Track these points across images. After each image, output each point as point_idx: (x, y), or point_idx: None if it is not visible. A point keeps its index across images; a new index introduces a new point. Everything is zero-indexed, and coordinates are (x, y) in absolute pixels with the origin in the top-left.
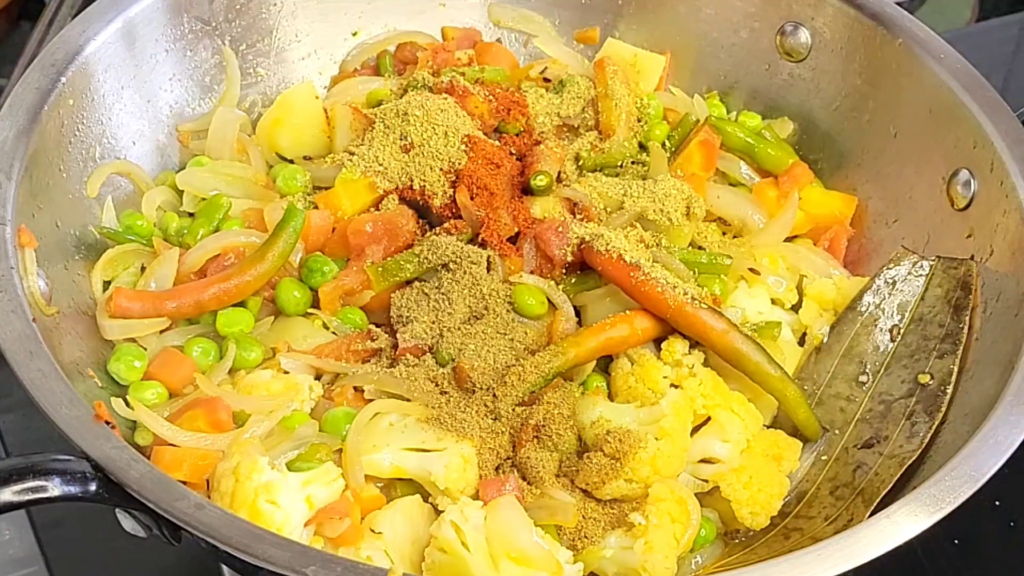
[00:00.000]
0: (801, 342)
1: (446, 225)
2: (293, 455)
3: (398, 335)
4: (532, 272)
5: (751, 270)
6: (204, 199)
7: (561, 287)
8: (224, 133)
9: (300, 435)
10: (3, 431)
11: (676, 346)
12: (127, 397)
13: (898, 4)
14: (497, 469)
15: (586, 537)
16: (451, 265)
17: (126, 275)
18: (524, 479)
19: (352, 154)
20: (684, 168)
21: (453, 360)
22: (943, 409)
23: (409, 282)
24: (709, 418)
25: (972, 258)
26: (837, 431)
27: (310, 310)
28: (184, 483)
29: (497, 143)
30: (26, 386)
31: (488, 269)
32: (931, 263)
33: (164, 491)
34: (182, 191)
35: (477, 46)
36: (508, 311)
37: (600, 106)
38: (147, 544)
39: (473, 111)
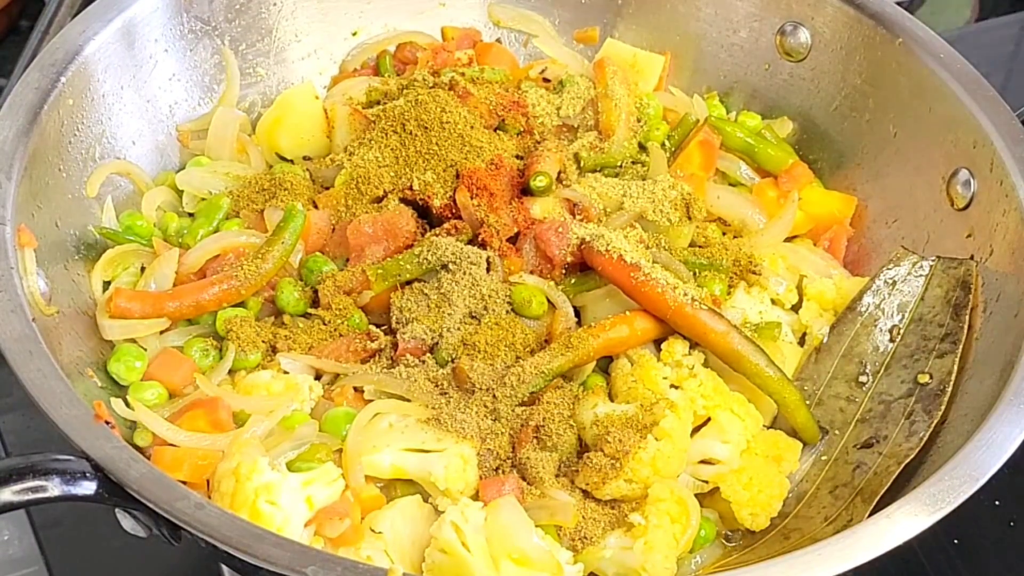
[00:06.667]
0: (801, 342)
1: (446, 225)
2: (293, 455)
3: (398, 335)
4: (532, 272)
5: (751, 271)
6: (204, 199)
7: (561, 287)
8: (224, 133)
9: (300, 435)
10: (3, 431)
11: (676, 347)
12: (127, 397)
13: (898, 4)
14: (497, 469)
15: (586, 537)
16: (451, 265)
17: (126, 275)
18: (524, 479)
19: (352, 154)
20: (684, 168)
21: (453, 360)
22: (942, 409)
23: (409, 282)
24: (709, 419)
25: (972, 258)
26: (837, 431)
27: (310, 310)
28: (184, 483)
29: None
30: (26, 386)
31: (488, 269)
32: (931, 263)
33: (164, 491)
34: (182, 191)
35: (477, 46)
36: (508, 311)
37: (600, 106)
38: (147, 544)
39: (473, 111)
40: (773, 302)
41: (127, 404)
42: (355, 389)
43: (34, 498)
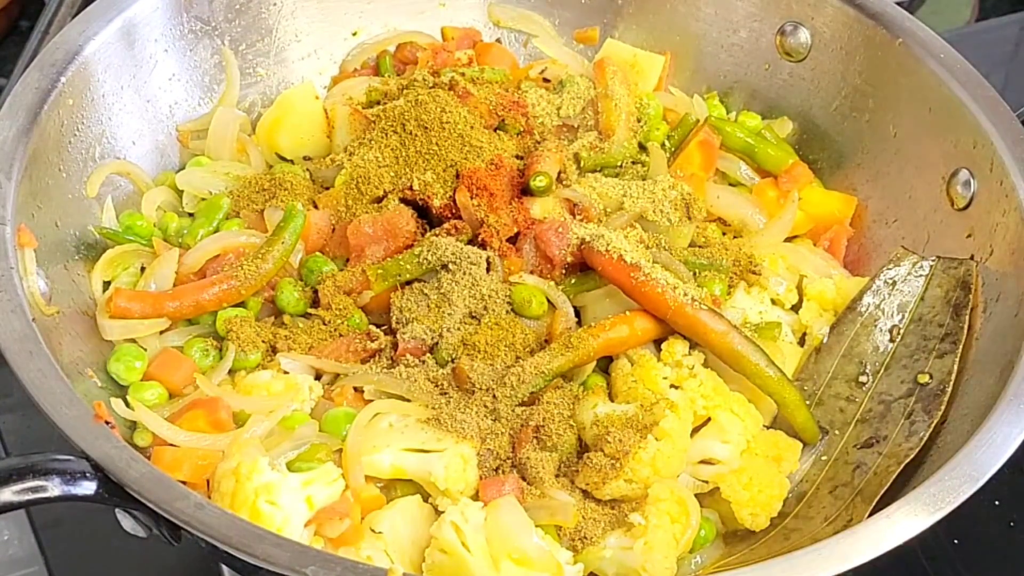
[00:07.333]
0: (801, 342)
1: (446, 225)
2: (293, 455)
3: (398, 335)
4: (532, 272)
5: (751, 271)
6: (204, 199)
7: (561, 287)
8: (224, 133)
9: (300, 435)
10: (3, 431)
11: (676, 347)
12: (127, 397)
13: (898, 4)
14: (497, 470)
15: (586, 537)
16: (451, 265)
17: (126, 275)
18: (524, 479)
19: (352, 154)
20: (684, 168)
21: (453, 360)
22: (942, 409)
23: (409, 282)
24: (709, 419)
25: (972, 258)
26: (837, 431)
27: (310, 310)
28: (184, 483)
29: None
30: (26, 386)
31: (488, 269)
32: (931, 263)
33: (164, 491)
34: (182, 191)
35: (477, 46)
36: (508, 311)
37: (600, 106)
38: (147, 544)
39: (473, 111)
40: (773, 302)
41: (127, 404)
42: (355, 389)
43: (34, 498)
